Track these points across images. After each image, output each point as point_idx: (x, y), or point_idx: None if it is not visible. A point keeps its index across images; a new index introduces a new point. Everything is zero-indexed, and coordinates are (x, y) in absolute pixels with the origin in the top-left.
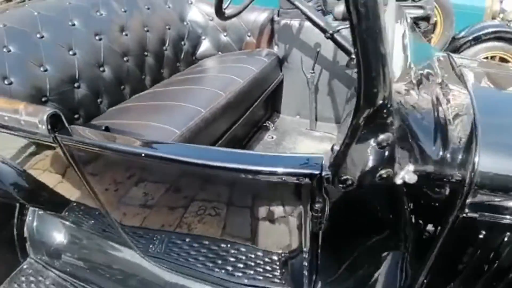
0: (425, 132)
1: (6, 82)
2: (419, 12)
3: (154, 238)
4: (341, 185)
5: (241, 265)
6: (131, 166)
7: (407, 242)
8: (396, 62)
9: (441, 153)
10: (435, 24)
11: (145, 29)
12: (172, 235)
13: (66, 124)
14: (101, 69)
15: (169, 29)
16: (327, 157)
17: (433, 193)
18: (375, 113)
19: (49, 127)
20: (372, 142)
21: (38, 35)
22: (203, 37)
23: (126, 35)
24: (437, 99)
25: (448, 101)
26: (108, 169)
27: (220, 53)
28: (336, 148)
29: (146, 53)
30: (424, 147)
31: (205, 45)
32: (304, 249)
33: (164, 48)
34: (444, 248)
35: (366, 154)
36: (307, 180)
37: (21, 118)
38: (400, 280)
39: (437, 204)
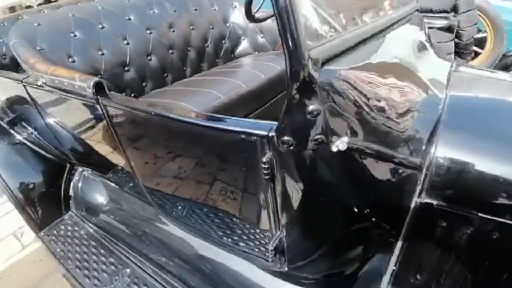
0: (368, 114)
1: (70, 60)
2: (443, 23)
3: (169, 199)
4: (284, 145)
5: (221, 222)
6: (151, 128)
7: (373, 224)
8: (375, 53)
9: (385, 137)
10: (484, 40)
11: (191, 27)
12: (179, 195)
13: (107, 90)
14: (149, 58)
15: (212, 28)
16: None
17: (391, 175)
18: (301, 87)
19: (94, 90)
20: (305, 111)
21: (100, 26)
22: (242, 38)
23: (173, 31)
24: (390, 93)
25: (397, 98)
26: (135, 129)
27: (256, 52)
28: (281, 115)
29: (189, 48)
30: (363, 126)
31: (244, 45)
32: (265, 204)
33: (206, 45)
34: (410, 236)
35: (301, 121)
36: (258, 138)
37: (75, 83)
38: (369, 264)
39: (398, 188)
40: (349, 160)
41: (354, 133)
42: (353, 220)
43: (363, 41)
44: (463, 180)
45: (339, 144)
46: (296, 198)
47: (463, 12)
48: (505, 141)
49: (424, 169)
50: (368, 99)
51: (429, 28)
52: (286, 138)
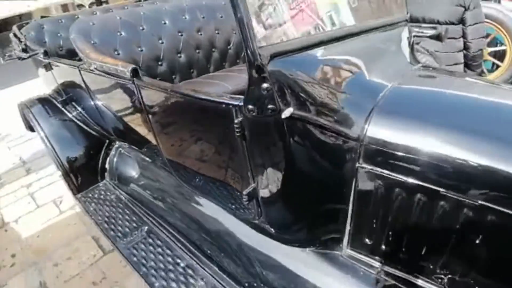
0: (310, 93)
1: (116, 53)
2: (431, 32)
3: (185, 165)
4: (250, 112)
5: (214, 178)
6: (173, 105)
7: (328, 185)
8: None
9: (325, 112)
10: (504, 53)
11: (216, 31)
12: (191, 158)
13: (140, 74)
14: (179, 55)
15: (235, 33)
16: None
17: (335, 143)
18: (257, 72)
19: (131, 74)
20: (260, 88)
21: (141, 27)
22: None
23: (201, 34)
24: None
25: (337, 84)
26: (160, 105)
27: None
28: (245, 91)
29: (213, 49)
30: (307, 101)
31: None
32: (241, 159)
33: (229, 47)
34: (357, 198)
35: (259, 95)
36: (232, 107)
37: (118, 68)
38: (332, 224)
39: (343, 154)
40: (299, 126)
41: (299, 106)
42: (312, 179)
43: (321, 43)
44: (385, 150)
45: (286, 112)
46: (262, 154)
47: (470, 25)
48: (425, 123)
49: (360, 140)
50: (311, 82)
51: (419, 37)
52: (250, 107)
